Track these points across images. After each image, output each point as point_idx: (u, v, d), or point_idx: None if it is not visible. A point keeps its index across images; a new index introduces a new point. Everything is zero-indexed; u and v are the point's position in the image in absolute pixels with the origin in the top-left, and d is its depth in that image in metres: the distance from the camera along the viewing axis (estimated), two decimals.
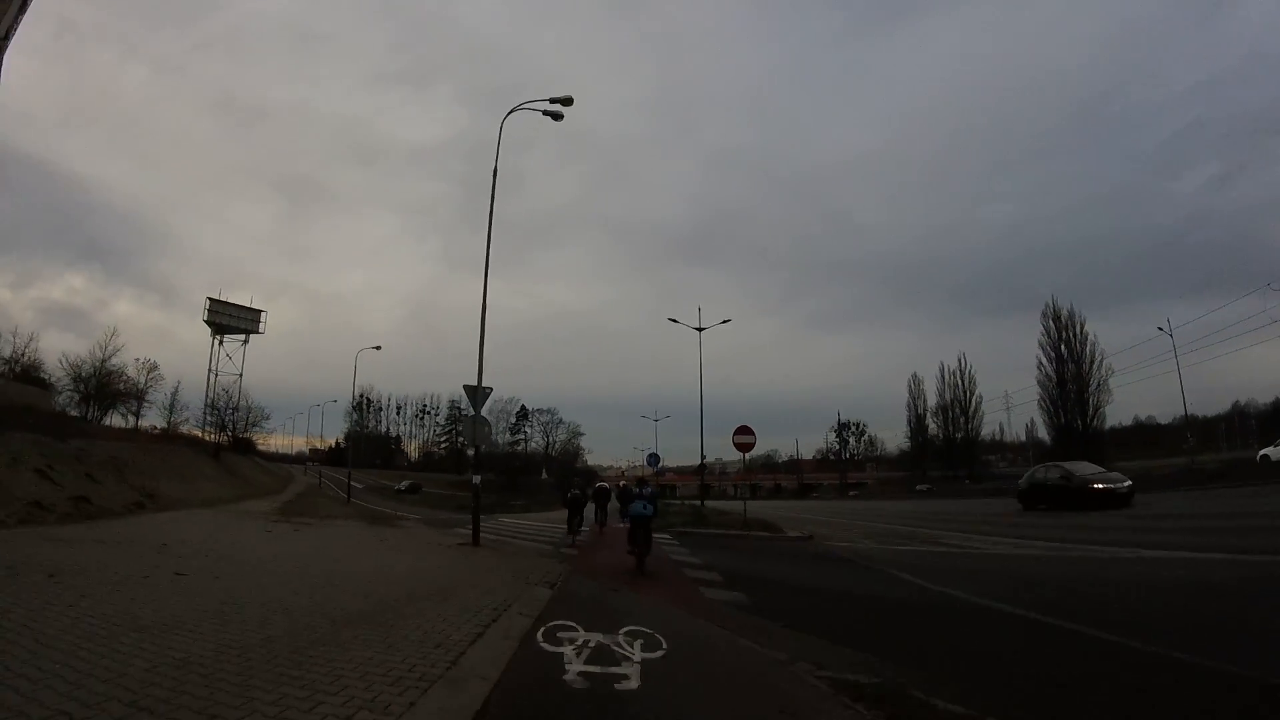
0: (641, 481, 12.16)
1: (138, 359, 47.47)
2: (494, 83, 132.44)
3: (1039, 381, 56.21)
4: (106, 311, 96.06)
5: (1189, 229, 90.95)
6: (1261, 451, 31.09)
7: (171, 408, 45.11)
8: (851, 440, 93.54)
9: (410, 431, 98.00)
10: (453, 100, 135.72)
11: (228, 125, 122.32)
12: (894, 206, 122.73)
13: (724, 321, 30.81)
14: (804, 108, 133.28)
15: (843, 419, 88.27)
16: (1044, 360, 56.26)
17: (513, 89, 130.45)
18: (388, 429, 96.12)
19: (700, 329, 29.49)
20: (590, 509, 18.30)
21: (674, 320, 30.43)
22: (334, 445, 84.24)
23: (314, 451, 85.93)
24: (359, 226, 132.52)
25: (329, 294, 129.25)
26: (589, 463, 78.08)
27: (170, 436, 37.59)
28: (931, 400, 70.18)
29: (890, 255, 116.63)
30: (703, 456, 33.32)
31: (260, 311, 79.90)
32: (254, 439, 65.43)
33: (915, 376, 71.75)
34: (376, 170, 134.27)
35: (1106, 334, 57.83)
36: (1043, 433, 69.22)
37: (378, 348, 37.05)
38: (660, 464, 26.60)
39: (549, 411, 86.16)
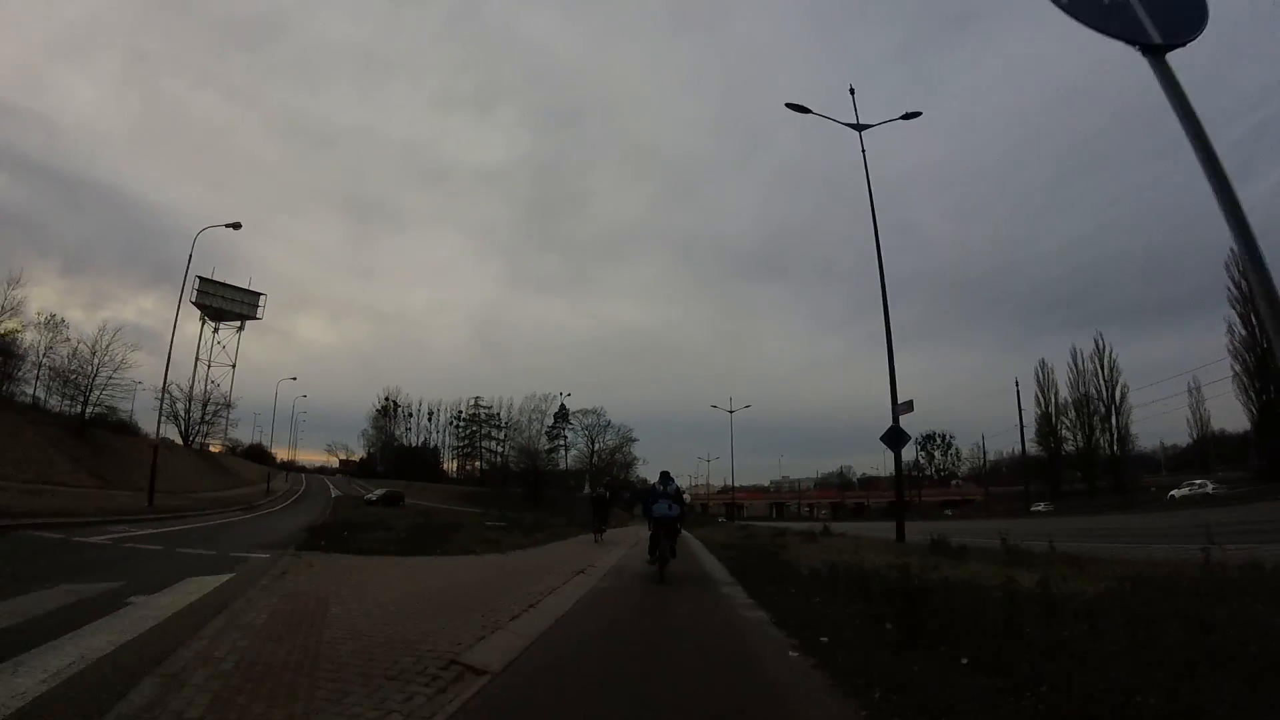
0: (666, 477, 9.40)
1: (39, 313, 36.91)
2: (558, 105, 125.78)
3: (1230, 350, 42.79)
4: (177, 331, 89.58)
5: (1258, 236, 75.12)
6: (1171, 492, 33.89)
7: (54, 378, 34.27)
8: (937, 455, 78.52)
9: (443, 440, 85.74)
10: (517, 123, 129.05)
11: (295, 149, 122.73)
12: (958, 218, 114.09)
13: (906, 115, 17.18)
14: (866, 119, 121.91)
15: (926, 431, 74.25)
16: (1235, 322, 42.57)
17: (576, 111, 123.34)
18: (424, 440, 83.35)
19: (860, 127, 16.79)
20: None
21: (802, 108, 17.01)
22: (363, 458, 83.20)
23: (344, 463, 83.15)
24: (423, 247, 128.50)
25: (392, 312, 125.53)
26: (643, 477, 63.36)
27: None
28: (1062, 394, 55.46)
29: (953, 268, 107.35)
30: (894, 385, 15.60)
31: (260, 295, 70.47)
32: (264, 446, 65.18)
33: (1043, 363, 57.17)
34: (441, 192, 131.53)
35: (1178, 348, 44.71)
36: (1178, 438, 53.98)
37: (235, 225, 24.21)
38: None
39: (594, 412, 70.41)
